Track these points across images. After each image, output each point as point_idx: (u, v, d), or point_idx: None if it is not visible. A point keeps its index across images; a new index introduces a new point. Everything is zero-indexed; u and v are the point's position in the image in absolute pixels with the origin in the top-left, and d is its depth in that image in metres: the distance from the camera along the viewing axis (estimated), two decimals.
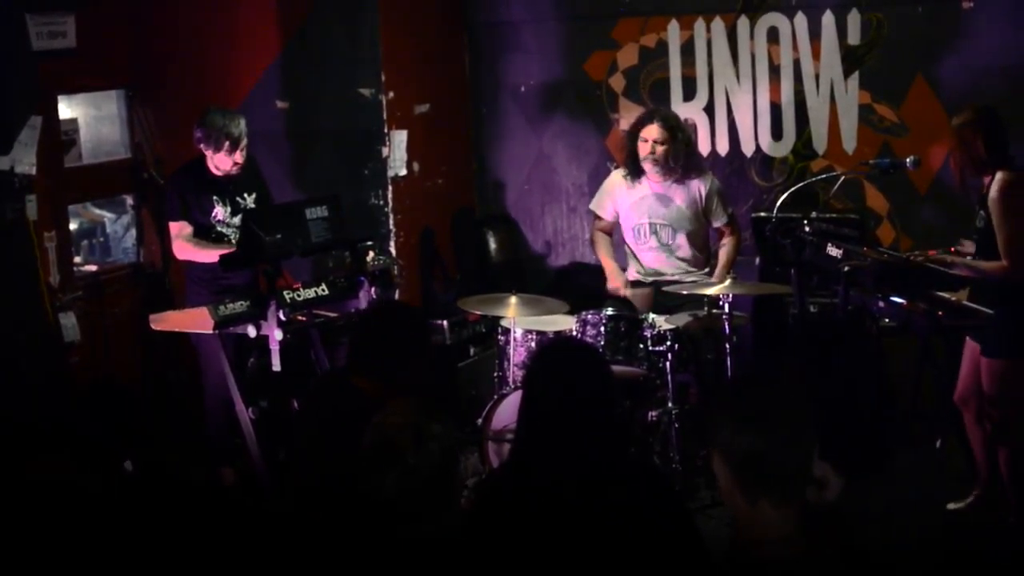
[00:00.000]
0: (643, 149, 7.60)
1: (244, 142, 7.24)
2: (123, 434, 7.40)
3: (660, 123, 7.61)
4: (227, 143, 7.17)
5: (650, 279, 7.77)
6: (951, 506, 6.38)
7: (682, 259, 7.75)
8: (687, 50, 8.72)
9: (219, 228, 7.35)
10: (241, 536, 4.39)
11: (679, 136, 7.66)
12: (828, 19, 8.28)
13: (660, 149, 7.58)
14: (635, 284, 7.80)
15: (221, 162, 7.22)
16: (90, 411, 7.63)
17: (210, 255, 7.21)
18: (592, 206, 8.05)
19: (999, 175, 6.16)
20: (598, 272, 8.20)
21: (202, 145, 7.24)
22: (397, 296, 8.14)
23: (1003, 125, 6.31)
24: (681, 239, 7.73)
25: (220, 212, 7.34)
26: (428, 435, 3.45)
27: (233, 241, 7.32)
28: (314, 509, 4.52)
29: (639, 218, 7.76)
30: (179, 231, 7.34)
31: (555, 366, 4.11)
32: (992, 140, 6.22)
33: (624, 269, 7.91)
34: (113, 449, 6.23)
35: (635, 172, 7.72)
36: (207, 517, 4.25)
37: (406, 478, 3.40)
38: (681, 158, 7.65)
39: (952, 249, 6.55)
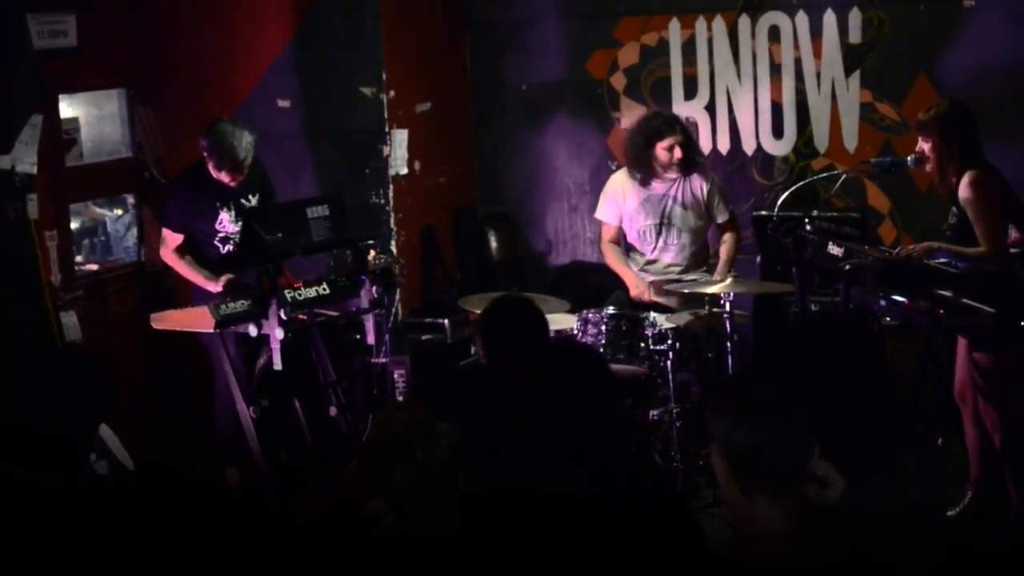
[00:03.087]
0: (667, 157, 7.58)
1: (247, 164, 7.23)
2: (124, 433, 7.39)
3: (680, 130, 7.66)
4: (229, 164, 7.17)
5: (651, 278, 7.76)
6: (950, 513, 6.38)
7: (685, 258, 7.75)
8: (688, 49, 8.71)
9: (224, 233, 7.37)
10: (244, 537, 4.38)
11: (691, 135, 7.79)
12: (829, 18, 8.28)
13: (683, 153, 7.61)
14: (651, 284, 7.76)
15: (221, 175, 7.24)
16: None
17: (187, 272, 7.36)
18: (597, 215, 8.01)
19: (968, 173, 6.20)
20: (599, 271, 8.20)
21: (205, 154, 7.24)
22: (398, 295, 8.16)
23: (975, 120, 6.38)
24: (686, 238, 7.72)
25: (225, 218, 7.35)
26: (436, 431, 3.45)
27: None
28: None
29: (645, 219, 7.74)
30: (168, 239, 7.41)
31: (553, 367, 4.11)
32: (970, 136, 6.30)
33: None
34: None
35: (647, 177, 7.69)
36: (210, 517, 4.24)
37: (415, 475, 3.40)
38: (695, 154, 7.73)
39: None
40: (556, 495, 3.85)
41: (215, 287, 7.19)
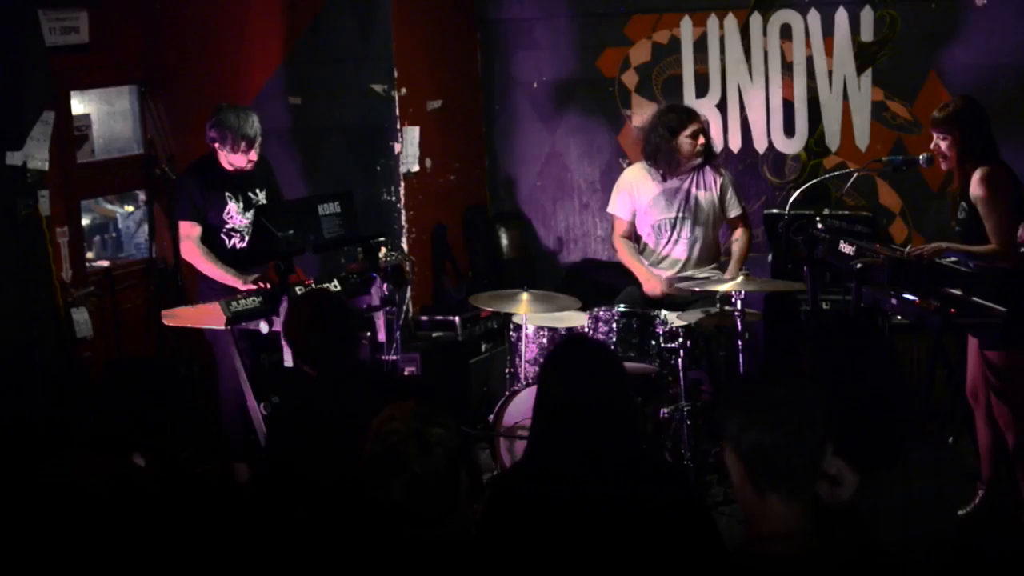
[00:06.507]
0: (691, 145, 7.61)
1: (259, 140, 7.21)
2: (135, 430, 7.41)
3: (700, 117, 7.75)
4: (243, 143, 7.13)
5: (665, 273, 7.75)
6: (961, 512, 6.37)
7: (698, 253, 7.74)
8: (700, 47, 8.71)
9: (231, 225, 7.34)
10: (254, 531, 4.38)
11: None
12: (841, 16, 8.27)
13: (705, 140, 7.68)
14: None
15: (236, 160, 7.19)
16: (102, 407, 7.65)
17: (212, 270, 7.20)
18: (610, 209, 8.01)
19: (979, 169, 6.20)
20: (610, 269, 8.19)
21: (216, 144, 7.19)
22: (409, 293, 8.16)
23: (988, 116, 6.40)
24: (699, 232, 7.72)
25: (233, 209, 7.32)
26: (432, 440, 3.39)
27: (246, 237, 7.33)
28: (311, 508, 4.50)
29: (659, 214, 7.74)
30: (189, 231, 7.27)
31: (568, 364, 4.10)
32: (986, 131, 6.30)
33: None
34: (124, 445, 6.25)
35: (670, 170, 7.70)
36: (220, 512, 4.25)
37: (413, 486, 3.34)
38: (712, 141, 7.84)
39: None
40: (568, 491, 3.85)
41: (245, 286, 7.12)
